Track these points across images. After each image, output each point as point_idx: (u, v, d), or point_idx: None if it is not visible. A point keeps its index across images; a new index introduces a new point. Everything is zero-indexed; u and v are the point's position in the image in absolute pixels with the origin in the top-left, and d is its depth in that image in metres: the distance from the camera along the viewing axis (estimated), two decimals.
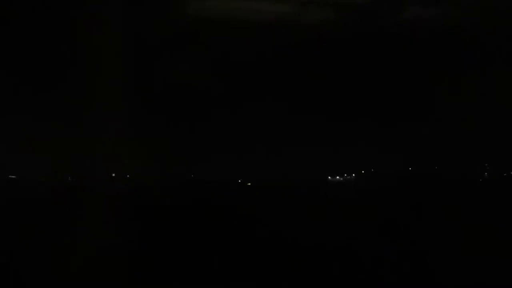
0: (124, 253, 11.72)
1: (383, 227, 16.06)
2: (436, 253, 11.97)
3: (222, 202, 25.64)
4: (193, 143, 33.83)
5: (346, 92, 32.34)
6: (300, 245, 13.33)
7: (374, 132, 33.26)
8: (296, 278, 10.39)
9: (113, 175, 34.29)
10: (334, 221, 18.21)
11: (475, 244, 12.24)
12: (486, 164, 35.49)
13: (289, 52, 29.20)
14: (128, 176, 35.82)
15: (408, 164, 36.68)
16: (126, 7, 21.77)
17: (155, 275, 10.63)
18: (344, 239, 14.09)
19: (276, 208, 23.04)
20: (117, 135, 25.10)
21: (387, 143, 33.31)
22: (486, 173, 35.99)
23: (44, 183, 34.75)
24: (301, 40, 26.86)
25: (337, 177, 38.84)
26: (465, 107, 28.85)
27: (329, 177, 39.03)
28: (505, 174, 34.80)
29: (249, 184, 37.17)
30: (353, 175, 38.81)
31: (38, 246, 13.11)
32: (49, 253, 12.30)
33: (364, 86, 31.99)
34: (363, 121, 32.23)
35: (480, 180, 35.28)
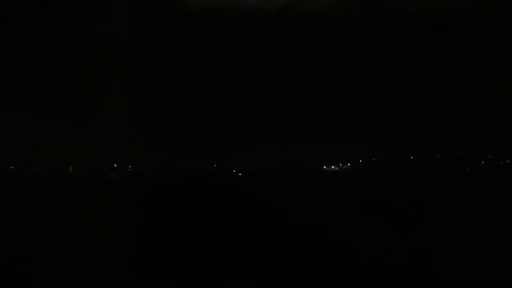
0: (125, 250, 11.83)
1: (381, 221, 16.14)
2: (436, 250, 12.06)
3: (219, 195, 25.61)
4: (192, 137, 34.04)
5: (346, 85, 32.49)
6: (295, 239, 13.40)
7: (373, 124, 33.45)
8: (295, 275, 10.45)
9: (115, 165, 34.71)
10: (329, 213, 18.28)
11: (475, 242, 12.33)
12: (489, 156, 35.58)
13: (288, 44, 29.32)
14: (129, 167, 36.17)
15: (407, 155, 36.83)
16: (126, 7, 21.89)
17: (155, 272, 10.69)
18: (341, 232, 14.17)
19: (268, 201, 22.98)
20: (117, 133, 25.29)
21: (387, 136, 33.49)
22: (483, 162, 36.16)
23: (45, 175, 35.09)
24: (300, 32, 26.95)
25: (332, 166, 39.04)
26: (466, 98, 28.91)
27: (324, 167, 39.20)
28: (501, 163, 34.96)
29: (240, 174, 37.32)
30: (348, 164, 38.96)
31: (40, 238, 13.24)
32: (52, 244, 12.46)
33: (364, 78, 32.12)
34: (361, 114, 32.42)
35: (479, 168, 35.34)
